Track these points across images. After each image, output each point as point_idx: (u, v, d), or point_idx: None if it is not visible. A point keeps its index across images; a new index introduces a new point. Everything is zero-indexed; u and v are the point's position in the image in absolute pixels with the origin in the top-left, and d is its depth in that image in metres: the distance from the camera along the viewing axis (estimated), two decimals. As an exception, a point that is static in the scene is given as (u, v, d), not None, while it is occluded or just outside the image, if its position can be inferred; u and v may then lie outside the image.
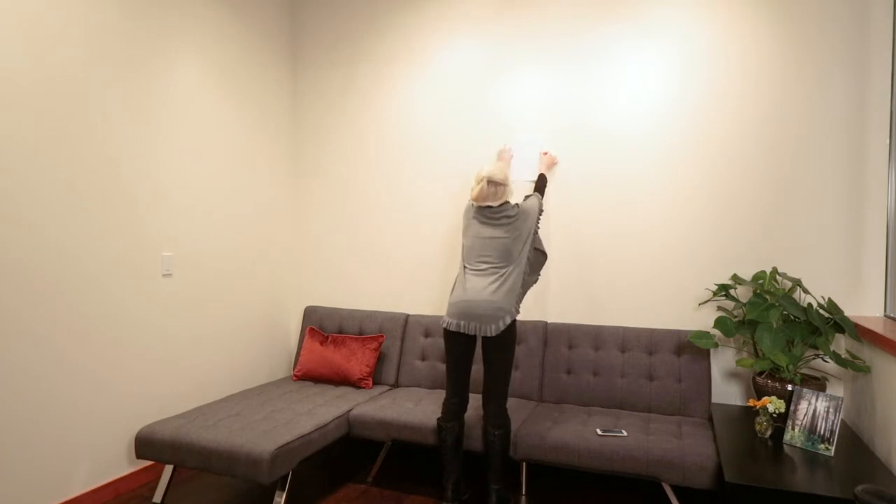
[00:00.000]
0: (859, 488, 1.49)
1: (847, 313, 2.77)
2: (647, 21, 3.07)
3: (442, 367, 3.32)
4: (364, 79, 3.71)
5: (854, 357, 2.54)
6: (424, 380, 3.33)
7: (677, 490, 2.80)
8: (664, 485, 2.44)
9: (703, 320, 3.01)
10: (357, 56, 3.72)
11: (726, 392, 2.97)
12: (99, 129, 2.64)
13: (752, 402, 2.43)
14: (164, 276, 2.96)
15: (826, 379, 2.62)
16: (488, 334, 2.46)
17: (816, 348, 2.55)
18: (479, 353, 3.22)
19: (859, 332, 2.48)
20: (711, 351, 2.97)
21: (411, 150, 3.60)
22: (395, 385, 3.40)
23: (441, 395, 3.15)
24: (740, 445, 2.27)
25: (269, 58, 3.67)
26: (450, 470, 2.57)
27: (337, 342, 3.38)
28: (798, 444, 2.27)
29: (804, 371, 2.82)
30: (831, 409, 2.22)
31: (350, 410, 2.90)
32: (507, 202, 2.61)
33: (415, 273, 3.61)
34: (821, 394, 2.26)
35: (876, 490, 1.46)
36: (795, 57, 2.83)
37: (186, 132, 3.08)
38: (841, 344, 2.75)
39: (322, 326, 3.64)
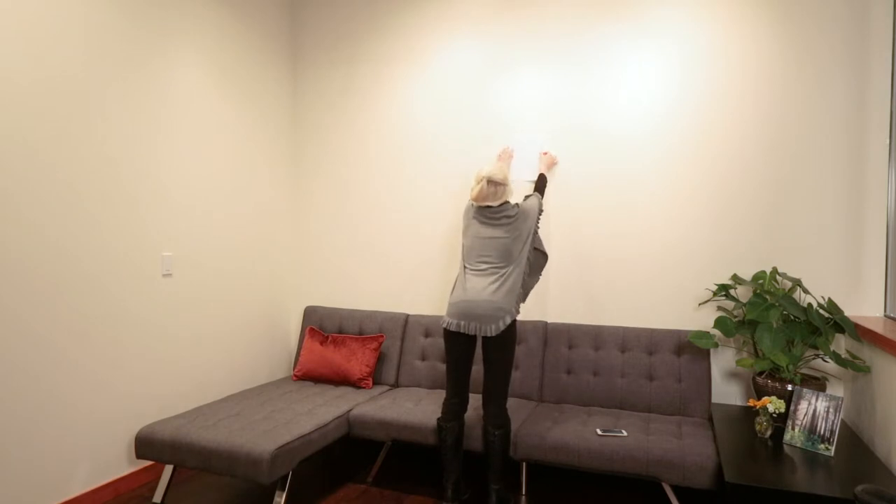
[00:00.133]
0: (859, 488, 1.49)
1: (847, 313, 2.77)
2: (647, 21, 3.07)
3: (442, 367, 3.32)
4: (364, 79, 3.71)
5: (854, 357, 2.54)
6: (424, 380, 3.33)
7: (677, 490, 2.80)
8: (664, 485, 2.44)
9: (703, 320, 3.01)
10: (357, 56, 3.72)
11: (726, 392, 2.97)
12: (99, 129, 2.64)
13: (752, 402, 2.43)
14: (164, 276, 2.96)
15: (826, 379, 2.62)
16: (488, 334, 2.46)
17: (816, 348, 2.55)
18: (479, 353, 3.22)
19: (859, 332, 2.48)
20: (711, 351, 2.97)
21: (411, 150, 3.60)
22: (395, 385, 3.40)
23: (441, 395, 3.15)
24: (740, 445, 2.27)
25: (269, 58, 3.67)
26: (450, 470, 2.57)
27: (337, 342, 3.38)
28: (798, 444, 2.27)
29: (804, 371, 2.82)
30: (831, 409, 2.22)
31: (350, 410, 2.90)
32: (507, 202, 2.61)
33: (415, 273, 3.61)
34: (821, 394, 2.26)
35: (876, 490, 1.46)
36: (795, 57, 2.83)
37: (186, 132, 3.08)
38: (841, 344, 2.75)
39: (322, 326, 3.64)
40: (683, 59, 3.01)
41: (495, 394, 2.51)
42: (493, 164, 2.61)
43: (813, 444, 2.23)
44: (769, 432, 2.37)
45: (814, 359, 2.73)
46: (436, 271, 3.56)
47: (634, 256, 3.12)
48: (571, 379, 3.06)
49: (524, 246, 2.59)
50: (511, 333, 2.51)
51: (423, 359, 3.39)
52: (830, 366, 2.78)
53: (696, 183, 3.01)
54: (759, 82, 2.89)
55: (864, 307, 2.74)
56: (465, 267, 2.62)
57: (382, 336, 3.35)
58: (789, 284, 2.87)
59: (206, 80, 3.19)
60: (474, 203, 2.65)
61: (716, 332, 3.01)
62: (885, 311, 2.70)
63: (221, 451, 2.41)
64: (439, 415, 2.76)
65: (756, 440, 2.34)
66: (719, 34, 2.95)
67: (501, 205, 2.60)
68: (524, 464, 2.83)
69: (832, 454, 2.19)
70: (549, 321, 3.29)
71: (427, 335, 3.42)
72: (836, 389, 2.77)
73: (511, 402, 3.02)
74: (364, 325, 3.54)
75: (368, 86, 3.70)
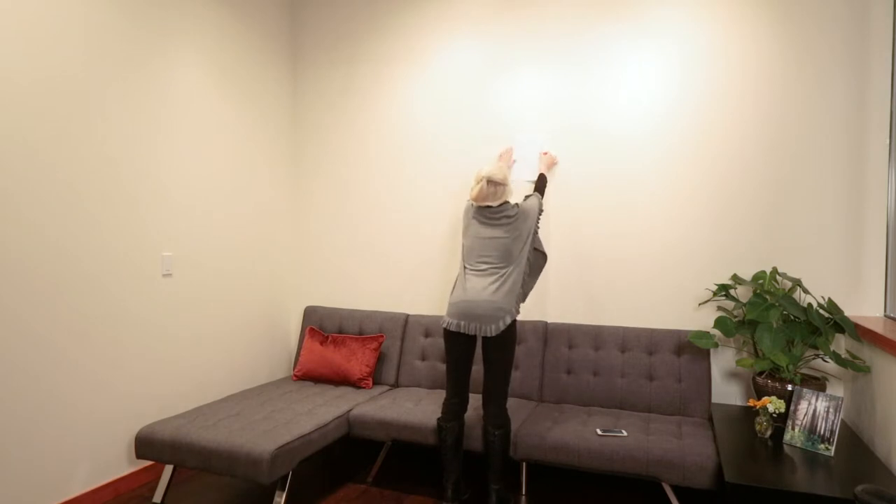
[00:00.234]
0: (859, 488, 1.49)
1: (847, 313, 2.77)
2: (647, 21, 3.07)
3: (442, 367, 3.32)
4: (364, 79, 3.71)
5: (854, 357, 2.54)
6: (424, 380, 3.33)
7: (677, 490, 2.80)
8: (664, 485, 2.44)
9: (703, 320, 3.01)
10: (357, 56, 3.72)
11: (726, 392, 2.97)
12: (99, 129, 2.64)
13: (752, 402, 2.43)
14: (164, 276, 2.96)
15: (826, 379, 2.62)
16: (488, 334, 2.46)
17: (816, 348, 2.55)
18: (479, 353, 3.22)
19: (859, 332, 2.48)
20: (711, 351, 2.97)
21: (411, 150, 3.60)
22: (395, 385, 3.40)
23: (441, 395, 3.15)
24: (740, 445, 2.27)
25: (269, 58, 3.67)
26: (450, 470, 2.57)
27: (337, 342, 3.38)
28: (798, 444, 2.27)
29: (804, 371, 2.82)
30: (831, 409, 2.22)
31: (350, 410, 2.90)
32: (507, 202, 2.61)
33: (415, 273, 3.61)
34: (821, 394, 2.26)
35: (876, 490, 1.46)
36: (795, 57, 2.83)
37: (186, 132, 3.08)
38: (841, 344, 2.75)
39: (322, 326, 3.64)
40: (683, 59, 3.01)
41: (495, 394, 2.51)
42: (492, 164, 2.61)
43: (813, 444, 2.23)
44: (769, 432, 2.37)
45: (814, 359, 2.73)
46: (436, 271, 3.56)
47: (634, 256, 3.12)
48: (571, 379, 3.06)
49: (524, 246, 2.59)
50: (511, 333, 2.51)
51: (423, 359, 3.39)
52: (830, 366, 2.78)
53: (696, 183, 3.01)
54: (759, 82, 2.89)
55: (864, 307, 2.74)
56: (465, 267, 2.62)
57: (382, 336, 3.35)
58: (789, 284, 2.87)
59: (206, 80, 3.19)
60: (474, 203, 2.65)
61: (716, 332, 3.01)
62: (885, 311, 2.70)
63: (221, 451, 2.41)
64: (439, 415, 2.76)
65: (756, 440, 2.34)
66: (719, 34, 2.95)
67: (501, 205, 2.60)
68: (524, 464, 2.83)
69: (832, 454, 2.19)
70: (549, 321, 3.29)
71: (427, 335, 3.42)
72: (836, 389, 2.77)
73: (511, 402, 3.02)
74: (364, 325, 3.54)
75: (368, 86, 3.70)
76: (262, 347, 3.66)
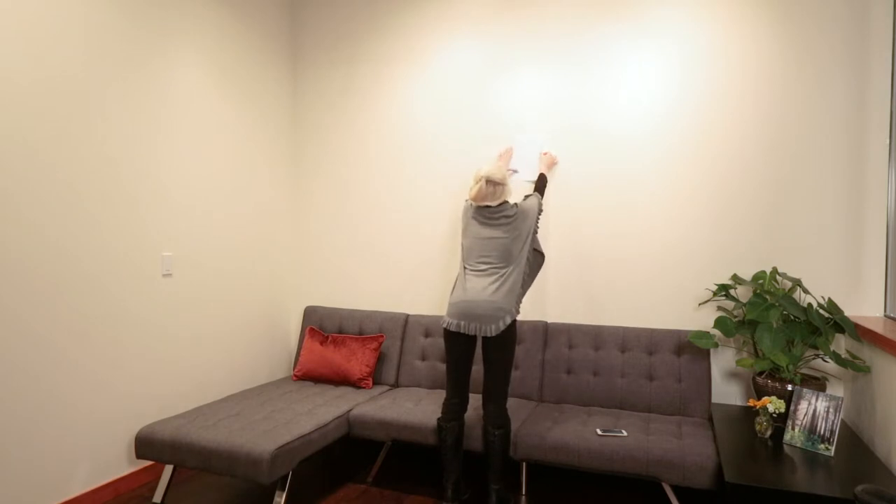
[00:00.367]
0: (859, 488, 1.49)
1: (847, 313, 2.77)
2: (647, 21, 3.07)
3: (442, 367, 3.32)
4: (364, 79, 3.71)
5: (854, 357, 2.54)
6: (424, 380, 3.33)
7: (677, 490, 2.80)
8: (664, 485, 2.44)
9: (703, 320, 3.01)
10: (357, 56, 3.72)
11: (726, 392, 2.97)
12: (99, 129, 2.64)
13: (752, 402, 2.43)
14: (164, 276, 2.96)
15: (826, 379, 2.62)
16: (488, 334, 2.46)
17: (816, 348, 2.55)
18: (479, 353, 3.22)
19: (859, 332, 2.48)
20: (711, 351, 2.97)
21: (411, 150, 3.60)
22: (395, 385, 3.40)
23: (441, 395, 3.15)
24: (740, 445, 2.27)
25: (269, 58, 3.67)
26: (450, 470, 2.57)
27: (337, 342, 3.38)
28: (798, 444, 2.27)
29: (804, 371, 2.82)
30: (831, 409, 2.22)
31: (350, 410, 2.90)
32: (506, 202, 2.61)
33: (415, 273, 3.61)
34: (821, 394, 2.26)
35: (876, 490, 1.46)
36: (795, 57, 2.83)
37: (186, 132, 3.08)
38: (841, 344, 2.75)
39: (322, 326, 3.64)
40: (683, 59, 3.01)
41: (495, 394, 2.51)
42: (491, 164, 2.61)
43: (813, 444, 2.23)
44: (769, 432, 2.37)
45: (814, 359, 2.73)
46: (436, 271, 3.56)
47: (634, 256, 3.12)
48: (571, 379, 3.06)
49: (524, 246, 2.59)
50: (511, 333, 2.51)
51: (423, 359, 3.39)
52: (830, 366, 2.78)
53: (696, 183, 3.01)
54: (759, 82, 2.89)
55: (864, 307, 2.74)
56: (464, 267, 2.62)
57: (382, 336, 3.35)
58: (789, 284, 2.87)
59: (206, 80, 3.19)
60: (473, 203, 2.64)
61: (716, 332, 3.01)
62: (885, 311, 2.70)
63: (221, 451, 2.41)
64: (439, 415, 2.76)
65: (756, 440, 2.34)
66: (719, 34, 2.95)
67: (500, 205, 2.60)
68: (524, 464, 2.83)
69: (832, 454, 2.19)
70: (549, 321, 3.29)
71: (427, 335, 3.42)
72: (836, 389, 2.77)
73: (511, 402, 3.02)
74: (364, 325, 3.54)
75: (368, 86, 3.70)
76: (262, 347, 3.66)
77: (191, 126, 3.10)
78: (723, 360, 2.97)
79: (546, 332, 3.19)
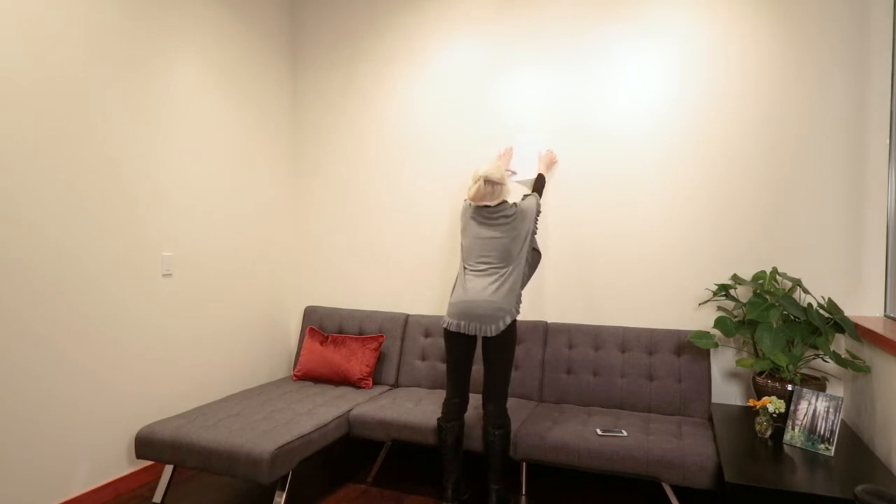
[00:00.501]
0: (859, 488, 1.49)
1: (847, 313, 2.77)
2: (647, 21, 3.07)
3: (442, 367, 3.32)
4: (364, 79, 3.71)
5: (854, 357, 2.54)
6: (424, 380, 3.33)
7: (677, 490, 2.80)
8: (664, 485, 2.44)
9: (703, 320, 3.01)
10: (357, 56, 3.72)
11: (726, 392, 2.97)
12: (99, 129, 2.64)
13: (752, 402, 2.43)
14: (164, 276, 2.96)
15: (826, 379, 2.62)
16: (489, 334, 2.46)
17: (816, 348, 2.55)
18: (479, 353, 3.22)
19: (859, 332, 2.48)
20: (711, 351, 2.97)
21: (411, 150, 3.60)
22: (395, 385, 3.40)
23: (441, 395, 3.15)
24: (740, 445, 2.27)
25: (269, 58, 3.67)
26: (450, 470, 2.57)
27: (337, 342, 3.38)
28: (798, 444, 2.27)
29: (804, 371, 2.82)
30: (831, 409, 2.22)
31: (350, 410, 2.90)
32: (505, 201, 2.61)
33: (415, 273, 3.61)
34: (821, 394, 2.26)
35: (876, 490, 1.46)
36: (795, 57, 2.83)
37: (186, 132, 3.08)
38: (841, 344, 2.75)
39: (322, 326, 3.64)
40: (683, 59, 3.01)
41: (495, 394, 2.51)
42: (490, 164, 2.60)
43: (813, 444, 2.23)
44: (769, 432, 2.37)
45: (814, 359, 2.73)
46: (436, 271, 3.56)
47: (634, 256, 3.12)
48: (571, 379, 3.06)
49: (523, 246, 2.59)
50: (511, 333, 2.51)
51: (423, 359, 3.39)
52: (830, 366, 2.78)
53: (696, 183, 3.01)
54: (759, 82, 2.89)
55: (864, 307, 2.74)
56: (464, 267, 2.62)
57: (382, 336, 3.35)
58: (789, 284, 2.87)
59: (206, 80, 3.19)
60: (472, 203, 2.64)
61: (716, 332, 3.01)
62: (885, 311, 2.70)
63: (221, 451, 2.41)
64: (439, 415, 2.76)
65: (756, 440, 2.34)
66: (719, 34, 2.95)
67: (499, 204, 2.59)
68: (524, 464, 2.83)
69: (832, 454, 2.19)
70: (549, 321, 3.29)
71: (427, 335, 3.42)
72: (836, 389, 2.77)
73: (511, 402, 3.02)
74: (364, 325, 3.54)
75: (368, 86, 3.70)
76: (262, 347, 3.66)
77: (191, 126, 3.10)
78: (723, 360, 2.97)
79: (546, 332, 3.19)
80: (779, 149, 2.87)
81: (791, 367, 2.53)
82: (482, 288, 2.51)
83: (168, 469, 2.68)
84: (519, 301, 2.56)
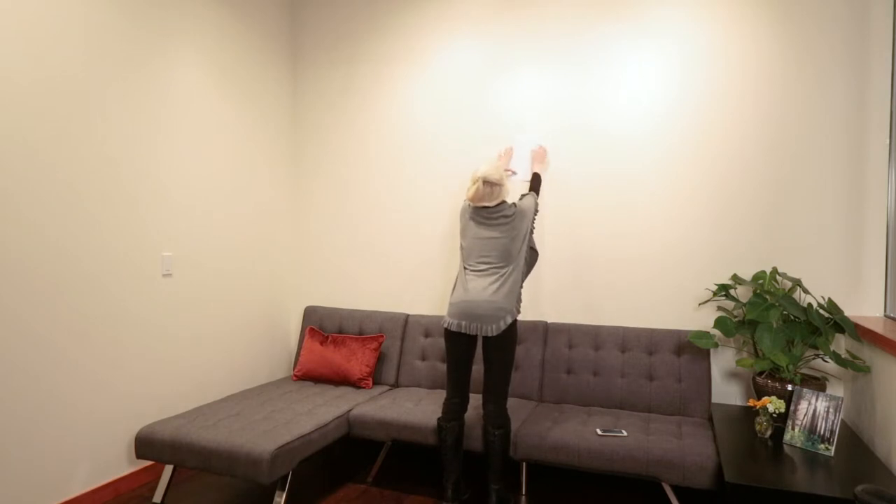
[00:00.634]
0: (859, 488, 1.49)
1: (847, 313, 2.77)
2: (647, 21, 3.07)
3: (442, 367, 3.32)
4: (364, 79, 3.71)
5: (854, 357, 2.54)
6: (424, 380, 3.33)
7: (677, 490, 2.80)
8: (664, 485, 2.44)
9: (703, 320, 3.01)
10: (357, 56, 3.72)
11: (726, 392, 2.97)
12: (99, 129, 2.64)
13: (752, 402, 2.43)
14: (164, 276, 2.96)
15: (826, 379, 2.62)
16: (489, 334, 2.46)
17: (816, 348, 2.55)
18: (479, 353, 3.22)
19: (859, 332, 2.48)
20: (711, 351, 2.97)
21: (411, 150, 3.60)
22: (395, 385, 3.40)
23: (441, 395, 3.15)
24: (740, 445, 2.27)
25: (269, 58, 3.67)
26: (450, 470, 2.57)
27: (337, 342, 3.38)
28: (798, 444, 2.27)
29: (804, 371, 2.82)
30: (831, 409, 2.22)
31: (350, 410, 2.90)
32: (504, 202, 2.61)
33: (415, 273, 3.61)
34: (821, 394, 2.26)
35: (876, 490, 1.46)
36: (795, 57, 2.83)
37: (186, 132, 3.08)
38: (841, 344, 2.75)
39: (322, 326, 3.64)
40: (683, 59, 3.01)
41: (495, 393, 2.51)
42: (488, 165, 2.60)
43: (813, 444, 2.23)
44: (769, 432, 2.37)
45: (814, 359, 2.73)
46: (436, 271, 3.56)
47: (634, 256, 3.12)
48: (571, 379, 3.06)
49: (522, 245, 2.59)
50: (512, 333, 2.51)
51: (423, 359, 3.39)
52: (830, 366, 2.78)
53: (696, 183, 3.01)
54: (759, 82, 2.89)
55: (864, 307, 2.74)
56: (465, 267, 2.62)
57: (382, 336, 3.35)
58: (789, 284, 2.87)
59: (206, 80, 3.19)
60: (471, 203, 2.64)
61: (716, 332, 3.01)
62: (885, 311, 2.70)
63: (221, 451, 2.41)
64: (439, 415, 2.76)
65: (756, 440, 2.34)
66: (719, 34, 2.95)
67: (498, 205, 2.59)
68: (524, 464, 2.83)
69: (832, 454, 2.19)
70: (549, 321, 3.29)
71: (427, 335, 3.42)
72: (836, 389, 2.77)
73: (511, 402, 3.02)
74: (364, 325, 3.54)
75: (368, 86, 3.70)
76: (262, 347, 3.66)
77: (191, 126, 3.10)
78: (723, 360, 2.97)
79: (546, 332, 3.19)
80: (779, 149, 2.87)
81: (791, 367, 2.53)
82: (483, 288, 2.51)
83: (168, 469, 2.68)
84: (519, 300, 2.56)
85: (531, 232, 2.65)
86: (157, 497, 2.66)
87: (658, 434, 2.55)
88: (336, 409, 2.88)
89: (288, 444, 2.44)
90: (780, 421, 2.50)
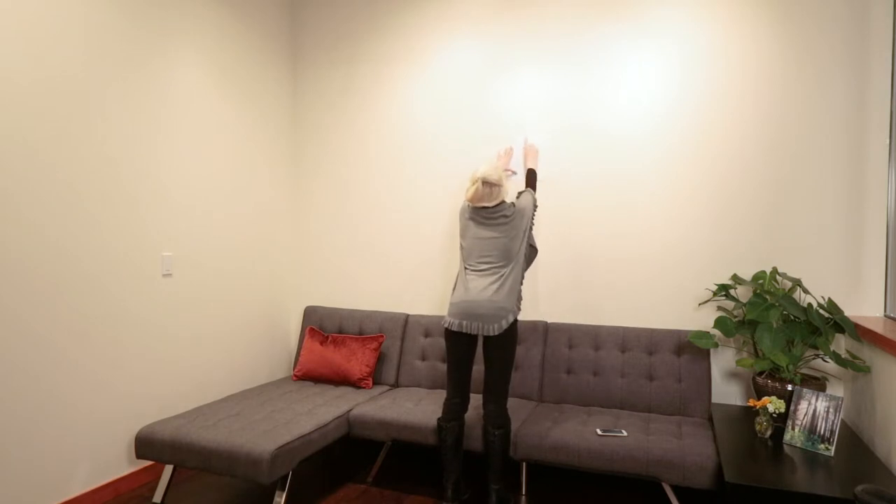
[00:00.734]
0: (859, 488, 1.49)
1: (847, 313, 2.77)
2: (647, 21, 3.07)
3: (442, 367, 3.32)
4: (364, 79, 3.71)
5: (854, 357, 2.54)
6: (424, 380, 3.33)
7: (677, 490, 2.80)
8: (664, 485, 2.44)
9: (703, 320, 3.01)
10: (357, 56, 3.72)
11: (726, 392, 2.97)
12: (99, 129, 2.64)
13: (752, 402, 2.43)
14: (164, 276, 2.96)
15: (826, 379, 2.62)
16: (491, 333, 2.46)
17: (816, 348, 2.55)
18: (479, 353, 3.22)
19: (859, 332, 2.48)
20: (711, 351, 2.97)
21: (411, 150, 3.60)
22: (395, 385, 3.40)
23: (441, 395, 3.15)
24: (740, 445, 2.27)
25: (269, 58, 3.67)
26: (450, 470, 2.57)
27: (337, 342, 3.38)
28: (798, 444, 2.27)
29: (804, 371, 2.82)
30: (831, 409, 2.22)
31: (350, 410, 2.90)
32: (503, 202, 2.61)
33: (415, 273, 3.61)
34: (821, 394, 2.26)
35: (876, 490, 1.46)
36: (795, 57, 2.83)
37: (186, 132, 3.08)
38: (841, 344, 2.75)
39: (322, 326, 3.64)
40: (683, 59, 3.01)
41: (496, 393, 2.51)
42: (488, 165, 2.60)
43: (813, 444, 2.23)
44: (769, 432, 2.37)
45: (814, 359, 2.73)
46: (436, 271, 3.56)
47: (634, 256, 3.12)
48: (571, 379, 3.06)
49: (522, 243, 2.60)
50: (513, 332, 2.51)
51: (423, 359, 3.39)
52: (830, 366, 2.78)
53: (696, 183, 3.01)
54: (759, 82, 2.89)
55: (864, 307, 2.74)
56: (465, 267, 2.62)
57: (382, 336, 3.35)
58: (789, 284, 2.87)
59: (206, 80, 3.19)
60: (470, 204, 2.64)
61: (716, 332, 3.01)
62: (885, 311, 2.70)
63: (221, 451, 2.41)
64: (439, 415, 2.76)
65: (756, 440, 2.34)
66: (719, 34, 2.95)
67: (498, 205, 2.59)
68: (524, 464, 2.83)
69: (832, 454, 2.19)
70: (549, 321, 3.29)
71: (427, 335, 3.42)
72: (836, 389, 2.77)
73: (511, 402, 3.02)
74: (364, 325, 3.54)
75: (368, 86, 3.70)
76: (262, 347, 3.66)
77: (191, 126, 3.10)
78: (723, 360, 2.97)
79: (546, 332, 3.19)
80: (779, 149, 2.87)
81: (791, 367, 2.53)
82: (484, 287, 2.51)
83: (168, 469, 2.68)
84: (520, 298, 2.57)
85: (530, 229, 2.65)
86: (157, 497, 2.66)
87: (658, 434, 2.55)
88: (336, 409, 2.88)
89: (288, 444, 2.44)
90: (780, 421, 2.50)
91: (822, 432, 2.22)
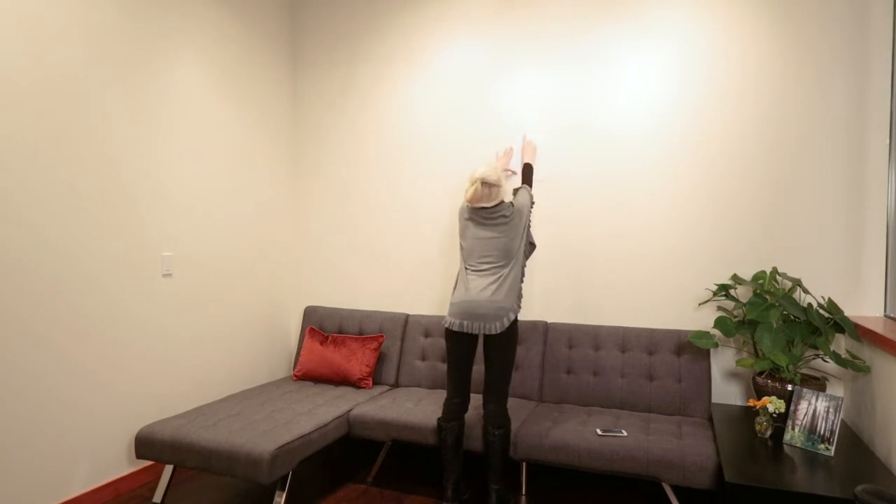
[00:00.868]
0: (859, 488, 1.49)
1: (847, 313, 2.77)
2: (647, 21, 3.07)
3: (442, 367, 3.32)
4: (364, 79, 3.71)
5: (854, 357, 2.54)
6: (424, 380, 3.33)
7: (677, 490, 2.80)
8: (664, 485, 2.44)
9: (703, 320, 3.01)
10: (357, 56, 3.72)
11: (726, 392, 2.97)
12: (99, 129, 2.64)
13: (752, 402, 2.43)
14: (164, 276, 2.96)
15: (826, 379, 2.62)
16: (492, 332, 2.46)
17: (816, 348, 2.55)
18: (480, 353, 3.22)
19: (859, 332, 2.48)
20: (711, 351, 2.97)
21: (411, 150, 3.60)
22: (395, 385, 3.40)
23: (441, 395, 3.15)
24: (740, 445, 2.27)
25: (269, 58, 3.67)
26: (450, 470, 2.57)
27: (337, 342, 3.38)
28: (798, 444, 2.27)
29: (804, 371, 2.82)
30: (831, 409, 2.22)
31: (350, 410, 2.90)
32: (503, 202, 2.61)
33: (415, 273, 3.61)
34: (821, 394, 2.26)
35: (876, 490, 1.46)
36: (795, 57, 2.83)
37: (186, 132, 3.08)
38: (841, 344, 2.75)
39: (322, 326, 3.64)
40: (683, 59, 3.01)
41: (496, 393, 2.51)
42: (486, 165, 2.61)
43: (813, 444, 2.23)
44: (769, 432, 2.37)
45: (814, 359, 2.73)
46: (436, 271, 3.56)
47: (634, 256, 3.12)
48: (571, 379, 3.06)
49: (521, 242, 2.60)
50: (513, 332, 2.51)
51: (423, 359, 3.39)
52: (830, 366, 2.78)
53: (696, 183, 3.01)
54: (759, 82, 2.89)
55: (864, 307, 2.74)
56: (465, 267, 2.62)
57: (382, 336, 3.35)
58: (789, 284, 2.87)
59: (206, 80, 3.19)
60: (469, 204, 2.64)
61: (716, 332, 3.01)
62: (885, 311, 2.70)
63: (221, 451, 2.41)
64: (439, 415, 2.76)
65: (756, 440, 2.34)
66: (719, 34, 2.95)
67: (497, 205, 2.59)
68: (524, 464, 2.83)
69: (832, 454, 2.19)
70: (549, 321, 3.29)
71: (427, 335, 3.42)
72: (836, 389, 2.77)
73: (511, 402, 3.02)
74: (364, 325, 3.54)
75: (368, 86, 3.70)
76: (262, 347, 3.66)
77: (191, 126, 3.10)
78: (723, 360, 2.97)
79: (546, 332, 3.19)
80: (779, 149, 2.87)
81: (791, 367, 2.53)
82: (484, 287, 2.51)
83: (168, 469, 2.68)
84: (520, 296, 2.57)
85: (528, 226, 2.65)
86: (157, 497, 2.66)
87: (658, 434, 2.55)
88: (336, 409, 2.88)
89: (288, 444, 2.44)
90: (780, 421, 2.50)
91: (822, 432, 2.22)
